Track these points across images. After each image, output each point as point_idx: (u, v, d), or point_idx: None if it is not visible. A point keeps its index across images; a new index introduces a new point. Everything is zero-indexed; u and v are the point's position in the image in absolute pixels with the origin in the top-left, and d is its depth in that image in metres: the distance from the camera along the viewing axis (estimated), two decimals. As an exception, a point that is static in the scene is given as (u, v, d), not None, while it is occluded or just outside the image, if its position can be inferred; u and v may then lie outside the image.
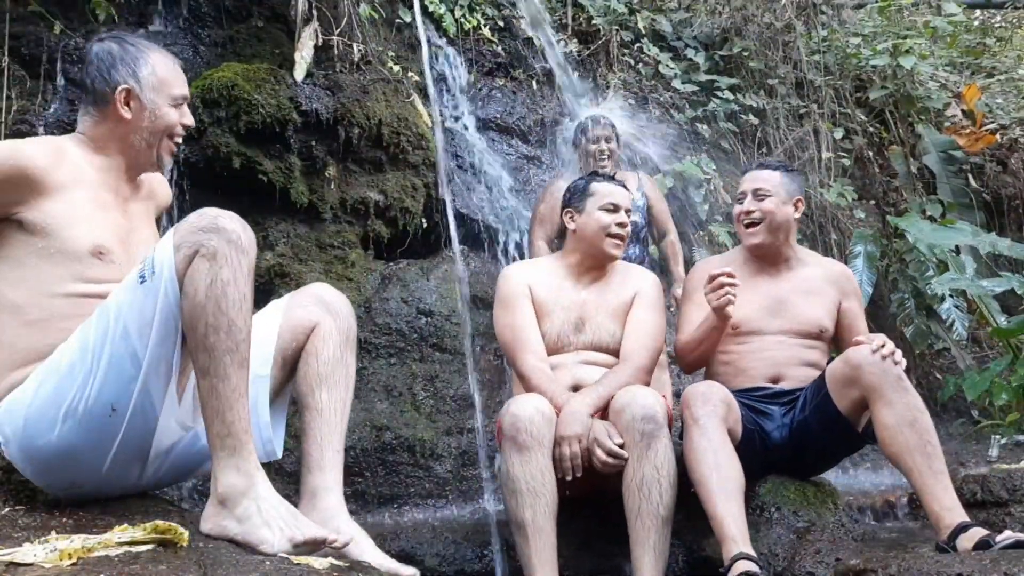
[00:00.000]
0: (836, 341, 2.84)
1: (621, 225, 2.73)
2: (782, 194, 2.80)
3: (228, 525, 1.58)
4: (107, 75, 1.91)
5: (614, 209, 2.74)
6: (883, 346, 2.38)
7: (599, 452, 2.37)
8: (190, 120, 2.00)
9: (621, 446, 2.36)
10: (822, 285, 2.82)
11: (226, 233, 1.61)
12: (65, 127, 3.42)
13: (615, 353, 2.68)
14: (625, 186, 2.88)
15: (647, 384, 2.60)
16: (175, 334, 1.62)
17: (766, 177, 2.82)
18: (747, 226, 2.81)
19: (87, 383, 1.63)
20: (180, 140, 2.00)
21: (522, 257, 4.05)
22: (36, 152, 1.80)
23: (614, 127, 3.88)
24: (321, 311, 1.91)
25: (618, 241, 2.74)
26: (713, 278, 2.56)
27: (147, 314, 1.61)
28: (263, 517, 1.55)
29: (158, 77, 1.93)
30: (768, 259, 2.83)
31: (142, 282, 1.63)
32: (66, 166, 1.84)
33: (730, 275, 2.55)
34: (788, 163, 2.91)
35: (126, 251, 1.87)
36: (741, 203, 2.84)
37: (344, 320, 1.93)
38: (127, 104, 1.91)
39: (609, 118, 3.97)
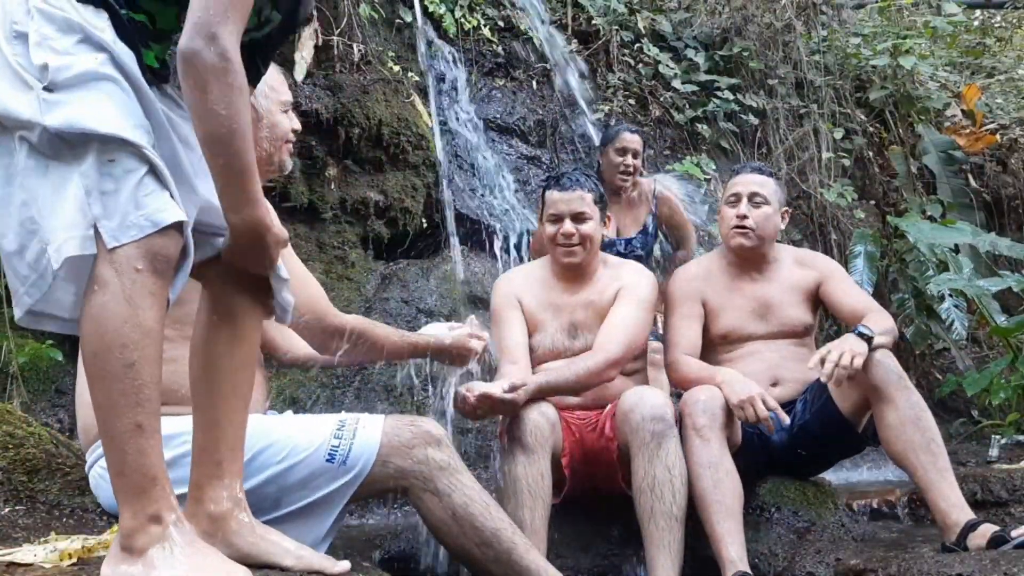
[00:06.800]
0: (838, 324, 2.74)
1: (566, 235, 2.60)
2: (775, 204, 2.72)
3: None
4: None
5: (556, 219, 2.63)
6: (836, 363, 2.28)
7: (468, 395, 2.31)
8: (298, 124, 1.93)
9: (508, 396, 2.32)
10: (799, 279, 2.74)
11: (437, 462, 1.75)
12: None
13: None
14: (581, 187, 2.66)
15: (612, 378, 2.53)
16: (336, 506, 1.70)
17: (763, 183, 2.72)
18: (738, 229, 2.69)
19: None
20: (292, 145, 1.93)
21: (521, 257, 4.04)
22: None
23: (644, 143, 3.75)
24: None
25: (567, 249, 2.62)
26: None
27: (315, 484, 1.68)
28: None
29: (268, 84, 1.82)
30: (750, 261, 2.74)
31: (329, 460, 1.68)
32: None
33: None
34: (773, 170, 2.81)
35: None
36: (734, 206, 2.70)
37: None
38: None
39: (640, 133, 3.85)
